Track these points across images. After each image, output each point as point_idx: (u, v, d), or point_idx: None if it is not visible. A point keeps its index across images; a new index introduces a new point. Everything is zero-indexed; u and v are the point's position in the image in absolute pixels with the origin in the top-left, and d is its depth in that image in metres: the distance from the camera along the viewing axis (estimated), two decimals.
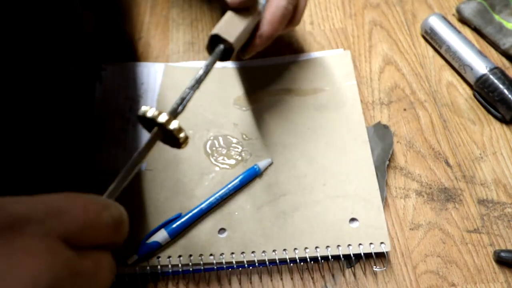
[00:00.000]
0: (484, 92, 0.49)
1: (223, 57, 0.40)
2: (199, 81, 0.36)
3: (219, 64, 0.54)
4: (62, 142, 0.48)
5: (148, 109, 0.31)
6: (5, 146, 0.43)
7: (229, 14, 0.40)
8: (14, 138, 0.45)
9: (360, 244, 0.42)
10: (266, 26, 0.42)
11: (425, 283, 0.41)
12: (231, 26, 0.40)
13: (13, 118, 0.45)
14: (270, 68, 0.53)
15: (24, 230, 0.23)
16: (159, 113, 0.31)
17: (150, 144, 0.32)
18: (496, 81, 0.48)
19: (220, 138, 0.49)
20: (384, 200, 0.45)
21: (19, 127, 0.46)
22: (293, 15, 0.45)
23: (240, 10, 0.41)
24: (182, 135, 0.32)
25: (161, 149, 0.47)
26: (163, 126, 0.31)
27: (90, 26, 0.55)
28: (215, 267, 0.42)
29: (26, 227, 0.23)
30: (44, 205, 0.24)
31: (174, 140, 0.32)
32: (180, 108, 0.34)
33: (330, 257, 0.41)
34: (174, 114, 0.33)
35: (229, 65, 0.54)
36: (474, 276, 0.41)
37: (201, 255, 0.42)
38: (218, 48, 0.39)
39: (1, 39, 0.40)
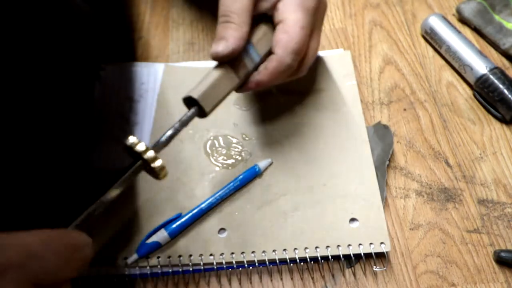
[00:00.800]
0: (484, 92, 0.49)
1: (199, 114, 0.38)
2: (170, 137, 0.36)
3: None
4: (61, 142, 0.48)
5: (137, 143, 0.33)
6: (4, 146, 0.43)
7: (213, 74, 0.39)
8: (12, 138, 0.45)
9: (360, 244, 0.42)
10: (265, 76, 0.41)
11: (425, 283, 0.41)
12: (211, 92, 0.38)
13: (12, 117, 0.45)
14: None
15: (5, 276, 0.24)
16: (146, 149, 0.33)
17: (133, 174, 0.34)
18: (496, 81, 0.48)
19: (220, 138, 0.49)
20: (384, 200, 0.45)
21: (17, 127, 0.46)
22: (297, 68, 0.43)
23: (225, 66, 0.39)
24: (163, 172, 0.34)
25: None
26: (147, 162, 0.33)
27: (90, 25, 0.55)
28: (215, 267, 0.42)
29: (7, 272, 0.24)
30: (24, 250, 0.25)
31: (155, 174, 0.34)
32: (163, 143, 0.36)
33: (330, 257, 0.41)
34: (157, 149, 0.35)
35: None
36: (474, 276, 0.41)
37: (201, 255, 0.42)
38: (192, 110, 0.37)
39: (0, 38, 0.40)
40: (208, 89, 0.38)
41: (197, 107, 0.37)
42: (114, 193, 0.33)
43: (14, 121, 0.45)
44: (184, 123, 0.37)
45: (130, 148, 0.33)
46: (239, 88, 0.41)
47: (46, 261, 0.26)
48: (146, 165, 0.34)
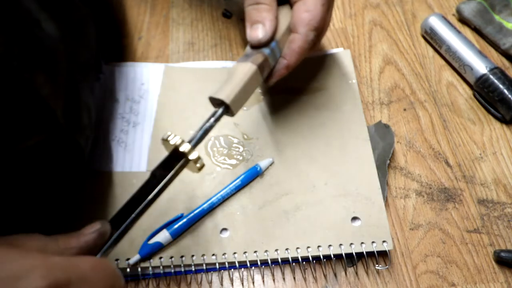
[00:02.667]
0: (484, 92, 0.49)
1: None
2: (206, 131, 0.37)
3: (219, 64, 0.54)
4: (62, 142, 0.48)
5: (173, 137, 0.35)
6: (4, 146, 0.43)
7: (241, 76, 0.39)
8: (12, 138, 0.45)
9: (362, 242, 0.42)
10: (293, 57, 0.42)
11: (425, 283, 0.41)
12: (240, 95, 0.39)
13: (9, 117, 0.45)
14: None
15: None
16: (182, 142, 0.35)
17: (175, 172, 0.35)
18: (496, 81, 0.49)
19: (221, 138, 0.49)
20: (385, 199, 0.45)
21: (17, 127, 0.46)
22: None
23: (253, 67, 0.39)
24: (200, 163, 0.35)
25: (161, 149, 0.47)
26: (185, 155, 0.34)
27: (90, 26, 0.55)
28: (218, 267, 0.42)
29: None
30: (79, 271, 0.28)
31: (192, 166, 0.35)
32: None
33: (332, 256, 0.42)
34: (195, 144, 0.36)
35: (230, 65, 0.54)
36: (474, 276, 0.41)
37: (203, 255, 0.42)
38: (221, 110, 0.38)
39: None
40: (239, 93, 0.38)
41: (224, 107, 0.38)
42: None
43: (13, 119, 0.45)
44: (217, 119, 0.38)
45: (166, 141, 0.35)
46: (269, 80, 0.43)
47: (94, 285, 0.28)
48: (185, 160, 0.35)
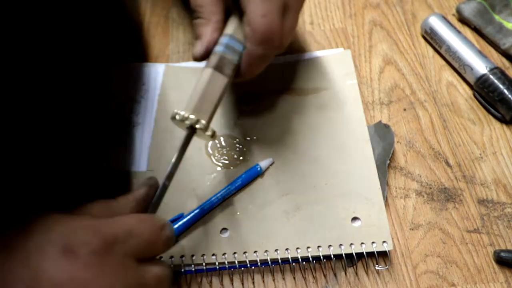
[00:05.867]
0: (484, 92, 0.49)
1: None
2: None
3: None
4: (63, 143, 0.49)
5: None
6: (8, 147, 0.43)
7: (200, 85, 0.39)
8: (16, 139, 0.45)
9: (362, 243, 0.42)
10: (246, 69, 0.40)
11: (425, 283, 0.41)
12: (200, 105, 0.38)
13: (16, 118, 0.45)
14: (270, 67, 0.52)
15: (111, 250, 0.29)
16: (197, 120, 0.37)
17: (185, 144, 0.39)
18: (496, 81, 0.49)
19: (222, 138, 0.49)
20: (385, 199, 0.45)
21: (21, 128, 0.46)
22: (277, 49, 0.41)
23: (209, 70, 0.39)
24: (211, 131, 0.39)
25: (162, 149, 0.47)
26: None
27: (90, 26, 0.55)
28: (217, 267, 0.42)
29: (112, 248, 0.30)
30: (125, 228, 0.31)
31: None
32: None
33: (332, 256, 0.42)
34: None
35: None
36: (474, 276, 0.41)
37: (203, 255, 0.42)
38: (188, 132, 0.39)
39: (5, 40, 0.40)
40: (199, 102, 0.38)
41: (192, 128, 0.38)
42: (174, 169, 0.38)
43: (17, 121, 0.45)
44: (187, 139, 0.39)
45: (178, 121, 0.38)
46: (234, 79, 0.42)
47: (142, 238, 0.32)
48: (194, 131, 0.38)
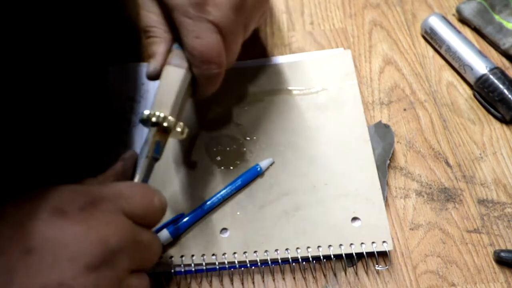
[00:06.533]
0: (484, 92, 0.49)
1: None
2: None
3: None
4: (63, 143, 0.49)
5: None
6: (6, 147, 0.43)
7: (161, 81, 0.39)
8: (15, 139, 0.45)
9: (362, 243, 0.42)
10: (199, 88, 0.40)
11: (425, 283, 0.41)
12: (162, 98, 0.38)
13: (14, 118, 0.45)
14: (271, 67, 0.53)
15: (100, 206, 0.31)
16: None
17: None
18: (496, 81, 0.49)
19: (222, 138, 0.49)
20: (385, 199, 0.45)
21: (20, 128, 0.46)
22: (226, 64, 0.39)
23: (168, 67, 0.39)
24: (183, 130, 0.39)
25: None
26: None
27: (91, 26, 0.55)
28: (217, 267, 0.42)
29: (102, 204, 0.31)
30: (114, 190, 0.33)
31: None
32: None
33: (332, 256, 0.42)
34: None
35: None
36: (474, 276, 0.41)
37: (203, 255, 0.42)
38: (152, 131, 0.38)
39: (5, 39, 0.40)
40: (158, 98, 0.38)
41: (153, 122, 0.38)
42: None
43: (16, 122, 0.45)
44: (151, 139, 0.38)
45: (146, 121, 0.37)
46: (194, 97, 0.41)
47: (134, 200, 0.33)
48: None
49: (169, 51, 0.39)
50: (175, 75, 0.38)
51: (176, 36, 0.39)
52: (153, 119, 0.37)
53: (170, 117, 0.37)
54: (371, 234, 0.42)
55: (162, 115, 0.37)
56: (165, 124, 0.37)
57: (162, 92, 0.38)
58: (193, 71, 0.38)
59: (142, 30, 0.40)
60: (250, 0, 0.39)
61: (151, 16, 0.39)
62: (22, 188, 0.41)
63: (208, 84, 0.39)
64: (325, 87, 0.51)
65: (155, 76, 0.39)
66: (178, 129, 0.38)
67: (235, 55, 0.41)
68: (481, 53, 0.51)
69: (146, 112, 0.37)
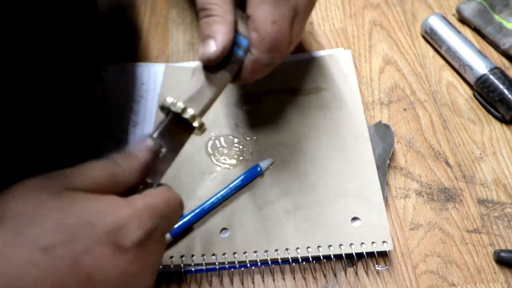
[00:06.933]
0: (484, 92, 0.49)
1: None
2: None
3: None
4: (62, 142, 0.49)
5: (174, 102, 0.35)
6: (5, 147, 0.43)
7: (200, 80, 0.36)
8: (13, 138, 0.45)
9: (362, 243, 0.42)
10: (248, 75, 0.38)
11: (425, 283, 0.41)
12: (200, 95, 0.36)
13: (12, 118, 0.45)
14: None
15: (152, 238, 0.30)
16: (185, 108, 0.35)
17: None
18: (496, 81, 0.49)
19: (222, 138, 0.49)
20: (385, 199, 0.45)
21: (18, 128, 0.46)
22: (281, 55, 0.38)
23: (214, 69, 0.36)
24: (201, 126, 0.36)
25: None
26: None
27: (91, 26, 0.55)
28: (217, 267, 0.42)
29: (153, 235, 0.30)
30: (158, 214, 0.31)
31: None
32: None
33: (332, 256, 0.42)
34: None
35: None
36: (474, 276, 0.41)
37: (203, 255, 0.42)
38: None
39: (2, 38, 0.40)
40: (196, 94, 0.36)
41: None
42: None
43: (15, 122, 0.45)
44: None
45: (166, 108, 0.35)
46: (234, 80, 0.39)
47: (171, 219, 0.33)
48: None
49: (233, 34, 0.36)
50: (223, 78, 0.36)
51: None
52: (173, 109, 0.34)
53: (191, 110, 0.34)
54: (371, 234, 0.42)
55: (192, 112, 0.35)
56: (185, 116, 0.34)
57: (201, 90, 0.36)
58: (253, 54, 0.36)
59: (199, 9, 0.36)
60: None
61: None
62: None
63: (260, 71, 0.37)
64: (325, 87, 0.51)
65: (215, 59, 0.35)
66: (196, 124, 0.35)
67: (294, 46, 0.39)
68: (481, 53, 0.51)
69: (170, 100, 0.34)
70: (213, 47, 0.35)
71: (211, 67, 0.36)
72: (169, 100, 0.34)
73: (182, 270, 0.42)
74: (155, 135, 0.34)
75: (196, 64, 0.37)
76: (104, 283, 0.27)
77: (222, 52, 0.35)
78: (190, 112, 0.34)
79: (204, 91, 0.36)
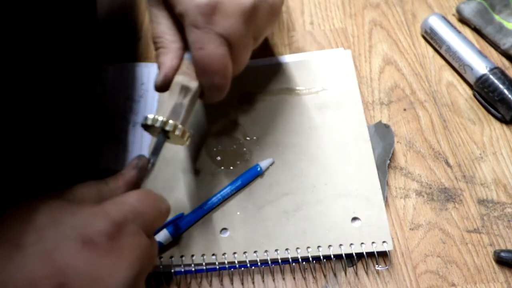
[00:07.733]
0: (484, 92, 0.49)
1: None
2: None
3: None
4: (62, 142, 0.49)
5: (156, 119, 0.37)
6: (5, 147, 0.43)
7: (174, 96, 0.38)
8: (14, 138, 0.45)
9: (362, 243, 0.42)
10: (205, 98, 0.40)
11: (425, 283, 0.41)
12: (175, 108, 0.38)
13: (13, 118, 0.45)
14: (271, 67, 0.53)
15: (124, 231, 0.31)
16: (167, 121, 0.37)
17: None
18: (496, 81, 0.49)
19: (222, 138, 0.49)
20: (385, 199, 0.45)
21: (19, 127, 0.46)
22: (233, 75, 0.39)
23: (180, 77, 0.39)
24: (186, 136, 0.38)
25: (162, 149, 0.47)
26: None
27: (90, 26, 0.55)
28: (217, 267, 0.42)
29: (125, 228, 0.31)
30: (129, 209, 0.32)
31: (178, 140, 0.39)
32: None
33: (332, 256, 0.42)
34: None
35: None
36: (474, 276, 0.41)
37: (203, 255, 0.42)
38: (160, 137, 0.39)
39: (3, 38, 0.40)
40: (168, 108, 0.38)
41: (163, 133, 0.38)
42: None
43: (15, 122, 0.45)
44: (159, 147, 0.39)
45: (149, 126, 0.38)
46: (203, 98, 0.41)
47: (147, 215, 0.33)
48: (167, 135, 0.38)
49: (179, 60, 0.39)
50: (190, 88, 0.38)
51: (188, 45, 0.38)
52: (157, 125, 0.37)
53: (170, 121, 0.37)
54: (371, 234, 0.42)
55: (161, 119, 0.37)
56: (167, 128, 0.37)
57: (168, 103, 0.38)
58: (198, 79, 0.38)
59: (153, 42, 0.40)
60: (261, 11, 0.38)
61: (159, 27, 0.39)
62: (21, 190, 0.42)
63: (212, 93, 0.39)
64: (325, 87, 0.51)
65: (160, 87, 0.39)
66: (177, 133, 0.37)
67: (243, 65, 0.40)
68: (481, 53, 0.51)
69: (151, 116, 0.37)
70: (158, 77, 0.38)
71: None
72: (150, 117, 0.37)
73: (182, 270, 0.42)
74: (149, 156, 0.39)
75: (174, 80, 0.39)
76: (77, 277, 0.28)
77: (164, 81, 0.38)
78: (171, 123, 0.37)
79: (181, 104, 0.38)
